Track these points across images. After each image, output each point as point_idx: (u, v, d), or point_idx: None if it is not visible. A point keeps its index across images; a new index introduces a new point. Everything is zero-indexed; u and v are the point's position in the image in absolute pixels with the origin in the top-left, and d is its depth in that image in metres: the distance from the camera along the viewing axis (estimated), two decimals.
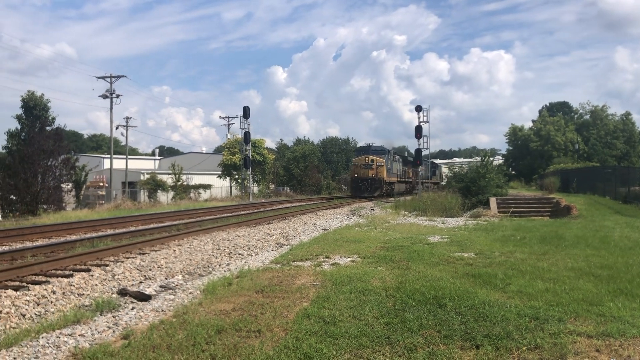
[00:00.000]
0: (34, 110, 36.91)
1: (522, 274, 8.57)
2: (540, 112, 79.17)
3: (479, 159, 31.21)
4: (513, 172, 66.68)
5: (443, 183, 57.34)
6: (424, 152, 35.80)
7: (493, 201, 26.20)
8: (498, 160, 66.54)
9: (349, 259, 10.46)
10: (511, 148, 75.67)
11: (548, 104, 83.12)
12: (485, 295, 7.09)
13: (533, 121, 77.40)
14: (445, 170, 64.41)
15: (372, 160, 39.43)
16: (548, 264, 9.49)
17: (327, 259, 10.47)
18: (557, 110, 78.79)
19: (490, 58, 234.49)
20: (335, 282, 7.97)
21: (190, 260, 10.65)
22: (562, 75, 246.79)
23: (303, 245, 12.61)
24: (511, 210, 24.26)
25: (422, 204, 25.87)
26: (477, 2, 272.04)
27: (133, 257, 10.44)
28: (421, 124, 33.56)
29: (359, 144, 62.44)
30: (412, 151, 41.85)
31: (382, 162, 39.52)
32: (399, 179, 45.25)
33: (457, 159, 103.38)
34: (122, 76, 51.84)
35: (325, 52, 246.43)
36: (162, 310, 6.76)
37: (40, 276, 8.43)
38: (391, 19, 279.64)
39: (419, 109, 33.56)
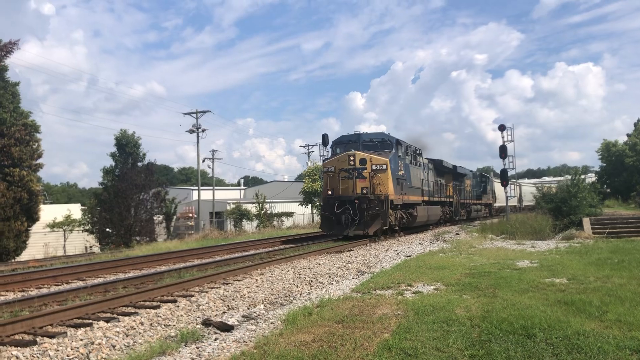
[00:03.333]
0: (126, 147, 39.23)
1: (620, 300, 7.93)
2: (635, 125, 74.36)
3: (569, 177, 29.62)
4: (608, 190, 62.70)
5: (496, 205, 48.73)
6: (510, 172, 34.18)
7: (586, 222, 24.67)
8: (590, 178, 62.73)
9: (432, 287, 10.15)
10: (604, 164, 71.30)
11: None
12: (580, 324, 6.60)
13: (628, 135, 72.70)
14: (530, 189, 58.60)
15: (363, 161, 21.55)
16: None
17: (409, 287, 10.21)
18: None
19: (577, 72, 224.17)
20: (418, 312, 7.72)
21: (272, 289, 10.74)
22: None
23: (384, 273, 12.40)
24: (607, 230, 22.71)
25: (509, 227, 24.83)
26: (562, 15, 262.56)
27: (217, 287, 10.66)
28: (505, 143, 32.25)
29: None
30: (498, 171, 33.02)
31: (384, 164, 21.61)
32: (427, 198, 27.47)
33: (546, 178, 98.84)
34: (207, 111, 54.10)
35: (403, 75, 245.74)
36: (244, 341, 6.81)
37: (129, 307, 8.77)
38: (471, 38, 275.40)
39: (502, 128, 32.35)
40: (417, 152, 27.23)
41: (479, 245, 19.21)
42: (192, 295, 9.75)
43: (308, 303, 8.99)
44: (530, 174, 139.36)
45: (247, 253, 17.77)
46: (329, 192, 21.79)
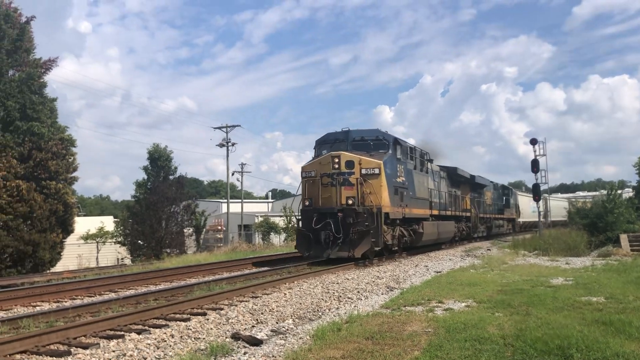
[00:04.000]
0: (158, 160, 39.90)
1: None
2: None
3: (604, 192, 28.89)
4: None
5: (520, 220, 46.08)
6: (543, 187, 33.42)
7: (624, 238, 24.02)
8: (628, 193, 61.07)
9: (463, 304, 9.98)
10: None
11: None
12: (619, 345, 6.39)
13: None
14: (559, 203, 55.16)
15: (350, 163, 17.80)
16: None
17: (439, 304, 10.06)
18: None
19: (611, 84, 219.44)
20: (449, 329, 7.59)
21: (300, 303, 10.70)
22: None
23: (414, 289, 12.25)
24: None
25: (542, 243, 24.32)
26: (596, 26, 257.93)
27: (246, 301, 10.68)
28: (537, 157, 31.65)
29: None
30: (530, 186, 32.06)
31: (377, 167, 17.76)
32: (437, 211, 23.70)
33: (580, 193, 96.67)
34: (237, 125, 54.77)
35: (432, 88, 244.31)
36: (273, 356, 6.78)
37: (160, 320, 8.85)
38: (500, 50, 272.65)
39: (534, 141, 31.75)
40: (425, 156, 23.48)
41: (511, 262, 18.86)
42: (222, 309, 9.78)
43: (337, 318, 8.93)
44: (563, 188, 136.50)
45: (275, 267, 17.77)
46: (306, 203, 17.99)
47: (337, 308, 10.40)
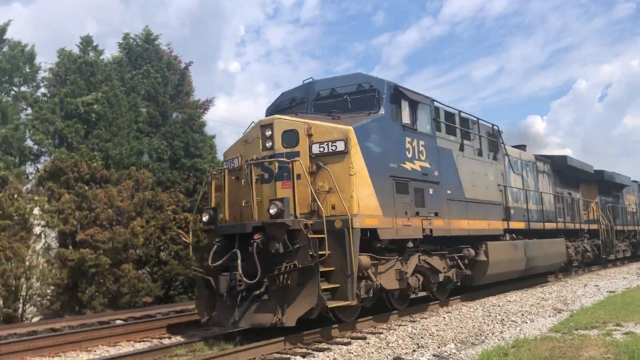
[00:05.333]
0: None
1: None
2: None
3: None
4: None
5: None
6: None
7: None
8: None
9: None
10: None
11: None
12: None
13: None
14: None
15: (291, 136, 9.65)
16: None
17: (618, 327, 9.17)
18: None
19: None
20: (633, 355, 6.89)
21: (461, 327, 10.39)
22: None
23: (585, 311, 11.31)
24: None
25: None
26: None
27: (404, 325, 10.62)
28: None
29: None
30: None
31: (342, 139, 9.38)
32: (521, 223, 15.88)
33: None
34: None
35: (588, 93, 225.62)
36: None
37: (322, 343, 9.12)
38: None
39: None
40: (493, 130, 15.19)
41: None
42: (381, 333, 9.82)
43: (502, 343, 8.53)
44: None
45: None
46: (205, 218, 9.96)
47: (501, 332, 9.93)
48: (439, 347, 8.88)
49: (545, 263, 17.00)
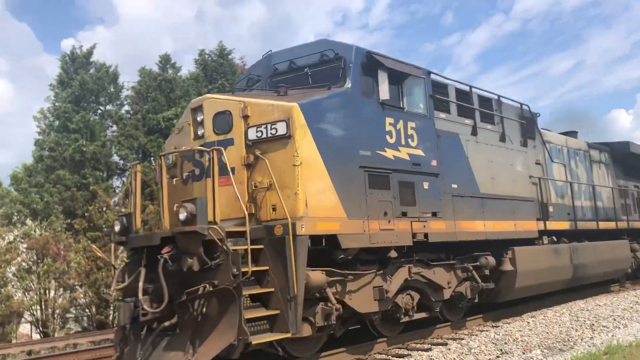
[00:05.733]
0: None
1: None
2: None
3: None
4: None
5: None
6: None
7: None
8: None
9: None
10: None
11: None
12: None
13: None
14: None
15: (224, 118, 7.61)
16: None
17: None
18: None
19: None
20: None
21: (547, 332, 9.98)
22: None
23: None
24: None
25: None
26: None
27: (486, 330, 10.33)
28: None
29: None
30: None
31: (284, 119, 7.22)
32: (566, 223, 13.06)
33: None
34: None
35: None
36: None
37: (402, 349, 9.03)
38: None
39: None
40: (523, 111, 12.60)
41: None
42: (462, 338, 9.60)
43: (593, 349, 8.13)
44: None
45: None
46: (116, 228, 7.66)
47: (591, 338, 9.46)
48: (524, 354, 8.58)
49: (601, 270, 13.96)
